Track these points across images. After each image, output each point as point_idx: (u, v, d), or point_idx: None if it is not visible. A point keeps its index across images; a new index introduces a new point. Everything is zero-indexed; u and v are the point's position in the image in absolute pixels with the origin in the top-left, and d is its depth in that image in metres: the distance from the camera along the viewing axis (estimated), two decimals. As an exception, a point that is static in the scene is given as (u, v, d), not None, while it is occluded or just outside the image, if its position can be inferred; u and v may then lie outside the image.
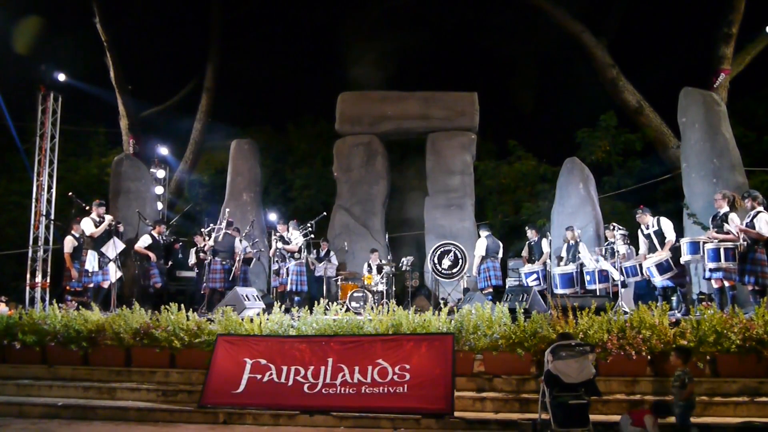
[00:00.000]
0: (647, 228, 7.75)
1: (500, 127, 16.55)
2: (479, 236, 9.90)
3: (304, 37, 19.16)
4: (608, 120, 14.78)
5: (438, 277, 10.85)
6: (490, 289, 9.34)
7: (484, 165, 15.88)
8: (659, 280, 7.50)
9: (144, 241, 9.14)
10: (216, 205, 13.04)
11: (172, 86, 17.49)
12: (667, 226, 7.59)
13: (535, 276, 9.17)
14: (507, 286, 9.42)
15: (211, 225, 9.47)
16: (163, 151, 14.04)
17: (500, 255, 9.72)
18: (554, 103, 17.16)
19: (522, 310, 5.83)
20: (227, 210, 10.32)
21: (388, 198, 12.95)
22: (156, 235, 9.27)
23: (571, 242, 9.21)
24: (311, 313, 6.16)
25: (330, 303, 6.37)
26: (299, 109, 19.33)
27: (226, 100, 17.40)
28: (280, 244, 8.95)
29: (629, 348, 5.41)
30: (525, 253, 9.78)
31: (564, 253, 9.10)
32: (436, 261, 10.85)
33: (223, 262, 8.92)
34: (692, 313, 5.90)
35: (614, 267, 8.21)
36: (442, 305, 6.85)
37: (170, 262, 10.01)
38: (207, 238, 9.34)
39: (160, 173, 13.54)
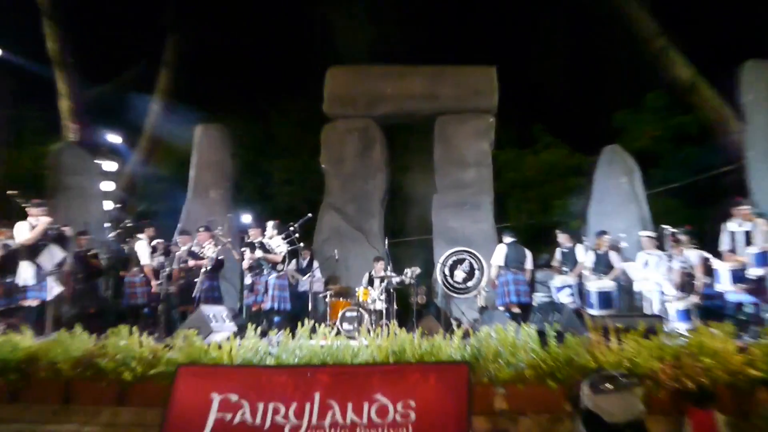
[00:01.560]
0: (740, 225, 7.75)
1: (524, 108, 16.53)
2: (501, 242, 9.84)
3: (285, -1, 19.15)
4: (656, 100, 14.80)
5: (449, 293, 10.74)
6: (517, 309, 9.26)
7: (504, 155, 15.88)
8: (734, 292, 7.49)
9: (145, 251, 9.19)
10: (177, 203, 12.99)
11: (124, 60, 17.46)
12: None
13: (568, 290, 9.12)
14: (535, 304, 9.35)
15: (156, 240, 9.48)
16: (113, 138, 14.01)
17: (528, 265, 9.68)
18: (590, 80, 17.16)
19: (554, 333, 5.73)
20: (188, 211, 10.27)
21: (387, 195, 12.96)
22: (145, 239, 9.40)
23: (601, 251, 9.18)
24: (293, 337, 6.07)
25: (317, 324, 6.28)
26: (279, 87, 19.26)
27: (189, 76, 17.38)
28: (259, 253, 8.87)
29: (685, 379, 5.33)
30: (556, 262, 9.73)
31: (591, 264, 9.13)
32: (447, 272, 10.75)
33: (136, 273, 9.03)
34: (763, 335, 5.82)
35: (667, 279, 8.17)
36: (454, 327, 6.75)
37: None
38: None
39: (110, 166, 13.50)
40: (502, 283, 9.54)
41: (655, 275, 8.61)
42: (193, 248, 9.23)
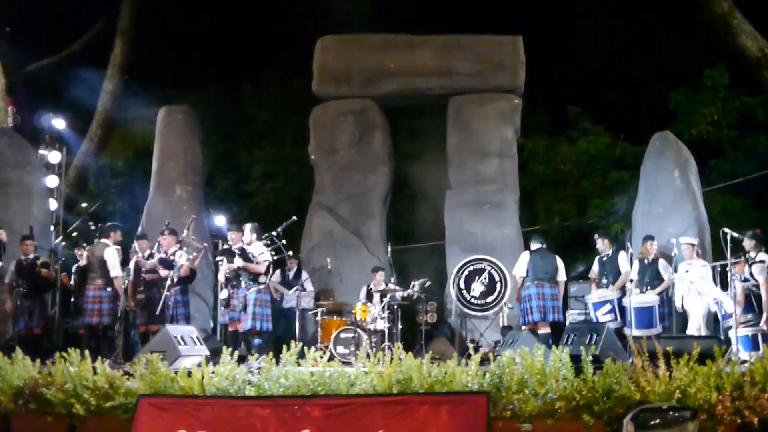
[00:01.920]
0: None
1: (557, 87, 16.54)
2: (529, 249, 9.92)
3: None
4: (717, 76, 14.77)
5: (466, 310, 10.86)
6: (546, 329, 9.32)
7: (533, 143, 15.88)
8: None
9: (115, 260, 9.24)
10: (137, 202, 13.06)
11: (71, 28, 17.50)
12: None
13: (608, 307, 9.18)
14: (568, 323, 9.41)
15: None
16: (58, 123, 14.01)
17: (560, 277, 9.72)
18: (635, 52, 17.15)
19: (590, 358, 5.81)
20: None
21: (390, 192, 13.04)
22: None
23: (648, 259, 9.25)
24: (278, 362, 6.15)
25: (306, 348, 6.36)
26: (259, 61, 19.30)
27: (150, 48, 17.41)
28: (239, 262, 8.91)
29: (749, 413, 5.40)
30: (594, 273, 9.79)
31: (635, 276, 9.15)
32: (462, 286, 10.86)
33: (102, 286, 9.02)
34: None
35: (728, 295, 8.23)
36: (471, 351, 6.85)
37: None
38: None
39: (54, 157, 13.50)
40: (524, 298, 9.55)
41: (703, 289, 8.68)
42: (160, 255, 9.27)
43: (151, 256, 9.37)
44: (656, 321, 8.80)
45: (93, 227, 9.71)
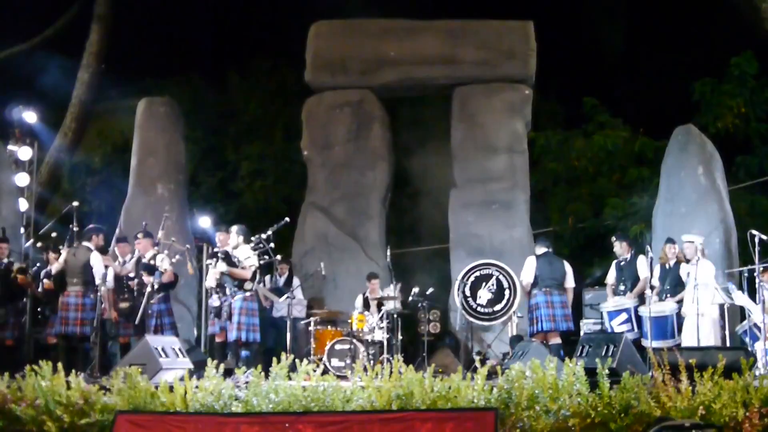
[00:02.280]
0: None
1: (571, 76, 16.54)
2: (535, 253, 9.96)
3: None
4: (744, 65, 14.76)
5: (471, 319, 10.86)
6: (557, 339, 9.35)
7: (544, 138, 15.86)
8: None
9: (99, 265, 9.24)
10: (114, 201, 13.06)
11: (43, 13, 17.49)
12: None
13: (624, 316, 9.19)
14: (582, 333, 9.42)
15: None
16: (29, 117, 13.98)
17: (569, 283, 9.75)
18: (657, 39, 17.16)
19: (606, 371, 5.81)
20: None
21: (390, 191, 13.06)
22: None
23: (669, 264, 9.26)
24: (267, 377, 6.15)
25: (297, 360, 6.37)
26: (247, 48, 19.32)
27: (129, 35, 17.42)
28: (223, 266, 8.92)
29: (780, 431, 5.41)
30: (611, 279, 9.79)
31: (656, 282, 9.15)
32: (468, 293, 10.86)
33: (83, 293, 9.02)
34: None
35: (756, 303, 8.24)
36: (477, 363, 6.80)
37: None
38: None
39: (24, 153, 13.49)
40: (531, 306, 9.58)
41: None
42: (142, 260, 9.28)
43: (131, 261, 9.39)
44: (674, 332, 8.80)
45: (76, 229, 9.64)
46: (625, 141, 15.65)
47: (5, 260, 9.79)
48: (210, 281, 9.24)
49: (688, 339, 8.73)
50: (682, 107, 14.81)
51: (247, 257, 9.03)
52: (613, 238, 10.03)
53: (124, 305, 9.22)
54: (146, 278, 9.06)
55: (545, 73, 12.79)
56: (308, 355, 9.57)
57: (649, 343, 8.56)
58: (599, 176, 15.87)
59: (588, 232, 15.06)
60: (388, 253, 10.86)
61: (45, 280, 9.97)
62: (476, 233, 11.96)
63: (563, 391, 5.68)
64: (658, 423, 4.90)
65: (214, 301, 9.06)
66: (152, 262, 9.18)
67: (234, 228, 9.42)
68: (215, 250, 9.35)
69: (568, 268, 9.76)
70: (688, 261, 9.08)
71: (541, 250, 9.79)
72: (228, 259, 8.94)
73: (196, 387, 6.10)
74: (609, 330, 9.19)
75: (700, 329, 8.60)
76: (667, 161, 11.26)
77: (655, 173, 12.29)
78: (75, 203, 10.05)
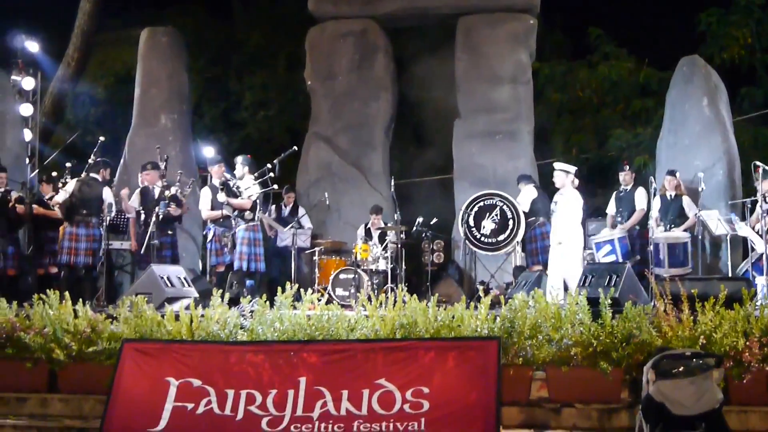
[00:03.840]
0: None
1: (576, 5, 16.25)
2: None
3: None
4: (750, -6, 14.53)
5: (475, 249, 10.83)
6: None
7: (549, 68, 15.76)
8: None
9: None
10: (118, 132, 12.97)
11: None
12: None
13: (608, 248, 9.27)
14: (585, 263, 9.43)
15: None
16: (32, 46, 13.77)
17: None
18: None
19: (608, 301, 5.80)
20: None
21: (393, 121, 12.97)
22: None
23: (669, 194, 9.29)
24: (272, 306, 6.16)
25: (302, 290, 6.37)
26: (250, -23, 19.06)
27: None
28: (222, 197, 8.92)
29: (780, 360, 5.41)
30: (611, 210, 9.82)
31: (656, 213, 9.20)
32: (471, 223, 10.78)
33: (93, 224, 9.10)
34: None
35: (759, 234, 8.21)
36: (480, 293, 6.85)
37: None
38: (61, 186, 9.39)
39: (28, 83, 13.33)
40: (529, 239, 9.83)
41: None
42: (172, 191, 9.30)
43: (135, 193, 9.40)
44: (688, 258, 8.85)
45: (92, 161, 9.54)
46: (629, 72, 15.55)
47: (1, 189, 9.70)
48: (207, 214, 9.29)
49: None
50: (688, 38, 14.71)
51: (248, 187, 9.04)
52: (624, 166, 10.06)
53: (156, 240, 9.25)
54: (173, 209, 9.14)
55: (550, 3, 12.58)
56: (312, 284, 9.59)
57: (665, 270, 8.62)
58: (603, 107, 15.79)
59: (591, 164, 15.02)
60: (392, 184, 10.84)
61: (35, 206, 9.89)
62: (480, 164, 11.93)
63: (566, 321, 5.72)
64: (660, 352, 4.90)
65: (210, 231, 9.16)
66: (167, 192, 9.16)
67: (239, 159, 9.56)
68: (212, 183, 9.36)
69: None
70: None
71: (530, 184, 10.13)
72: (227, 189, 8.97)
73: (202, 316, 6.14)
74: (595, 260, 9.27)
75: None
76: (671, 92, 11.19)
77: (659, 104, 12.23)
78: (101, 138, 9.92)
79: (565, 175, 8.63)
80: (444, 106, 13.06)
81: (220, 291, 6.33)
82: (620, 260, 9.01)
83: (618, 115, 15.50)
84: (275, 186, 9.43)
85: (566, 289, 7.93)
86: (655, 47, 15.20)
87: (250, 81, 17.70)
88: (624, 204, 9.60)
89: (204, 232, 9.65)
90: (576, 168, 8.85)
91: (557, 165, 8.78)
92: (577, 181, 8.71)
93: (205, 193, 9.29)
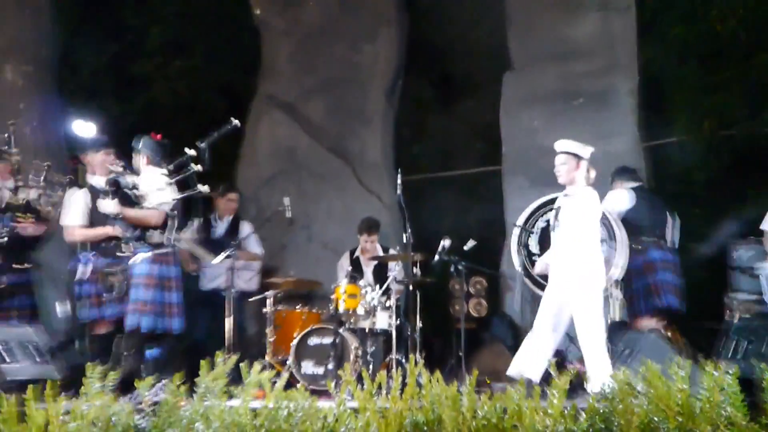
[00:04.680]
0: None
1: None
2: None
3: None
4: None
5: (541, 292, 10.77)
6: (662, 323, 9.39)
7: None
8: None
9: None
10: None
11: None
12: None
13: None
14: (737, 318, 9.40)
15: None
16: None
17: (670, 235, 10.05)
18: None
19: (778, 381, 5.72)
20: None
21: (401, 78, 13.13)
22: None
23: None
24: (192, 393, 6.05)
25: (244, 364, 6.27)
26: None
27: None
28: (110, 205, 8.81)
29: None
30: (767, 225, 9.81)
31: None
32: (534, 248, 10.78)
33: None
34: None
35: None
36: (551, 369, 6.71)
37: None
38: None
39: None
40: (639, 268, 9.86)
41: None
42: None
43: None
44: None
45: None
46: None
47: None
48: (74, 229, 9.23)
49: None
50: None
51: (157, 189, 8.93)
52: None
53: None
54: (26, 225, 9.31)
55: None
56: (263, 354, 9.64)
57: None
58: (760, 50, 15.75)
59: (737, 145, 14.96)
60: (399, 182, 10.73)
61: None
62: (547, 146, 11.84)
63: (703, 419, 5.60)
64: None
65: (85, 261, 9.04)
66: (18, 198, 9.21)
67: (139, 140, 9.34)
68: (92, 178, 9.29)
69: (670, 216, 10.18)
70: None
71: (629, 184, 10.12)
72: (118, 192, 8.87)
73: (67, 413, 6.02)
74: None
75: None
76: None
77: None
78: None
79: (574, 161, 8.71)
80: (485, 52, 13.35)
81: (101, 367, 6.22)
82: None
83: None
84: (202, 188, 9.32)
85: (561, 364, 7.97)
86: None
87: (159, 9, 17.71)
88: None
89: (71, 265, 9.55)
90: (592, 149, 8.85)
91: (561, 144, 8.84)
92: (594, 173, 8.79)
93: (78, 199, 9.20)
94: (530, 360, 8.08)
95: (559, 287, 8.33)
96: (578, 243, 8.31)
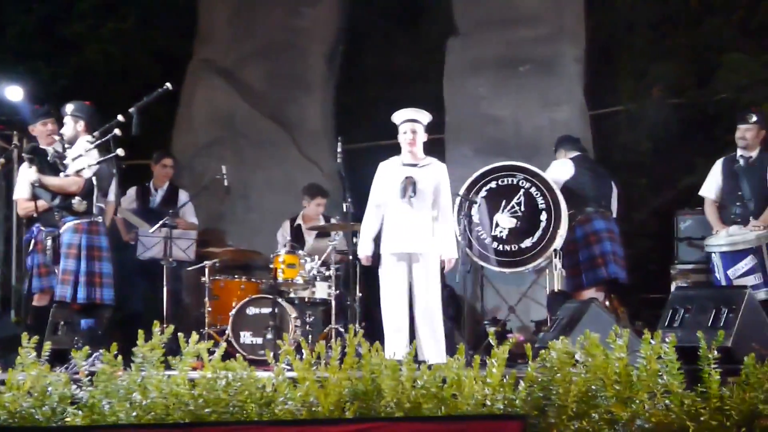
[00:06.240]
0: None
1: None
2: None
3: None
4: None
5: (483, 264, 10.86)
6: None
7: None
8: None
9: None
10: None
11: None
12: None
13: (749, 261, 9.15)
14: (674, 287, 9.53)
15: None
16: None
17: (614, 204, 10.14)
18: None
19: (715, 353, 5.83)
20: None
21: (342, 43, 13.19)
22: None
23: None
24: (128, 364, 6.11)
25: (181, 334, 6.34)
26: None
27: None
28: (30, 173, 8.79)
29: None
30: (712, 191, 9.80)
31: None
32: (476, 219, 10.83)
33: None
34: None
35: None
36: (491, 339, 6.81)
37: None
38: None
39: None
40: (580, 238, 9.93)
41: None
42: None
43: None
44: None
45: None
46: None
47: None
48: (25, 205, 9.25)
49: None
50: None
51: (79, 155, 8.89)
52: (751, 116, 9.71)
53: None
54: None
55: None
56: (201, 325, 9.63)
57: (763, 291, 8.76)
58: (709, 15, 15.85)
59: (686, 113, 15.07)
60: (339, 150, 10.75)
61: None
62: (492, 114, 12.00)
63: (640, 388, 5.73)
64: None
65: (27, 233, 9.08)
66: None
67: (68, 107, 9.24)
68: (28, 149, 9.24)
69: (614, 185, 10.21)
70: None
71: (571, 153, 10.10)
72: (38, 158, 8.84)
73: (2, 383, 6.08)
74: (720, 282, 9.23)
75: None
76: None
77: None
78: None
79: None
80: (430, 16, 13.43)
81: (36, 338, 6.28)
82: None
83: (734, 30, 15.62)
84: (119, 151, 9.19)
85: None
86: None
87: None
88: (747, 182, 9.50)
89: (26, 239, 9.53)
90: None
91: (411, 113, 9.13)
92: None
93: (21, 173, 9.20)
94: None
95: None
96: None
